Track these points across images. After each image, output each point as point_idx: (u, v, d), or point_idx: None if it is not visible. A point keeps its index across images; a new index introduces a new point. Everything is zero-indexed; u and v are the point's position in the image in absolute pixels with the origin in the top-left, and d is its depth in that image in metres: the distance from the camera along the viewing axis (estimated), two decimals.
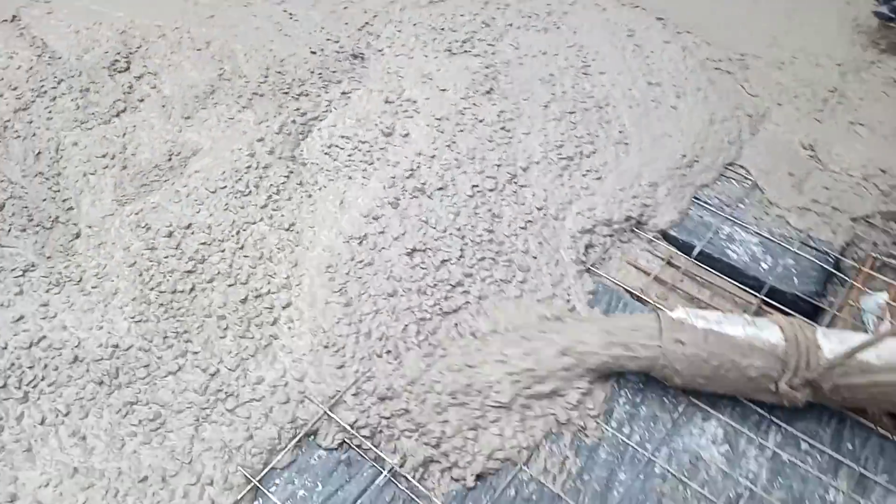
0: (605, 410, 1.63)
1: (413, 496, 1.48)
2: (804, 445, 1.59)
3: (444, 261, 1.90)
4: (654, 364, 1.58)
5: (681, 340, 1.55)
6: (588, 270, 1.97)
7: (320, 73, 2.54)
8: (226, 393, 1.60)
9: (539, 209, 2.09)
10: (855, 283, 1.98)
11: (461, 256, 1.92)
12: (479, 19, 2.80)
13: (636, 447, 1.58)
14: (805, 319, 1.71)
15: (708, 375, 1.55)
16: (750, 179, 2.25)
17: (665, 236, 2.10)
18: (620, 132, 2.35)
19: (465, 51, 2.62)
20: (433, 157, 2.18)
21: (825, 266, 2.00)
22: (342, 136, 2.26)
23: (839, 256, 2.04)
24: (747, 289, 1.95)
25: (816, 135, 2.38)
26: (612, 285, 1.94)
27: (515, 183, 2.16)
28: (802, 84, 2.59)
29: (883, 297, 1.93)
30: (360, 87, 2.47)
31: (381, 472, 1.50)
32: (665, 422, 1.62)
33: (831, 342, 1.52)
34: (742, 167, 2.30)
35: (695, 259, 2.03)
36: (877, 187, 2.21)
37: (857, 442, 1.60)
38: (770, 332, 1.56)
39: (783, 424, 1.61)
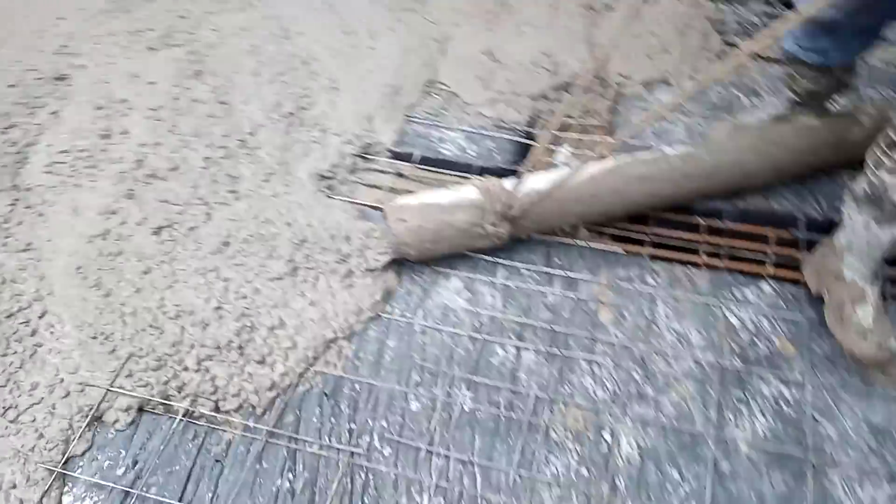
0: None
1: (212, 426, 1.62)
2: (524, 271, 1.97)
3: (191, 228, 2.02)
4: (391, 247, 1.86)
5: (402, 218, 1.84)
6: (331, 198, 2.20)
7: (24, 103, 2.48)
8: (2, 408, 1.61)
9: (279, 165, 2.27)
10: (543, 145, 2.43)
11: (209, 219, 2.05)
12: (173, 15, 2.88)
13: (398, 318, 1.85)
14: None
15: (432, 239, 1.86)
16: (447, 90, 2.62)
17: (392, 154, 2.40)
18: (329, 80, 2.60)
19: (167, 44, 2.70)
20: (158, 143, 2.27)
21: (519, 140, 2.42)
22: (60, 152, 2.25)
23: (528, 129, 2.47)
24: (463, 174, 2.30)
25: (491, 42, 2.81)
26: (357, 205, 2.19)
27: (247, 147, 2.32)
28: (454, 6, 3.00)
29: (567, 148, 2.40)
30: (69, 104, 2.46)
31: (176, 418, 1.62)
32: (416, 292, 1.91)
33: (513, 184, 1.90)
34: (440, 82, 2.66)
35: (418, 164, 2.35)
36: (545, 69, 2.68)
37: (562, 255, 2.01)
38: (467, 190, 1.91)
39: (506, 261, 1.98)
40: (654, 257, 1.98)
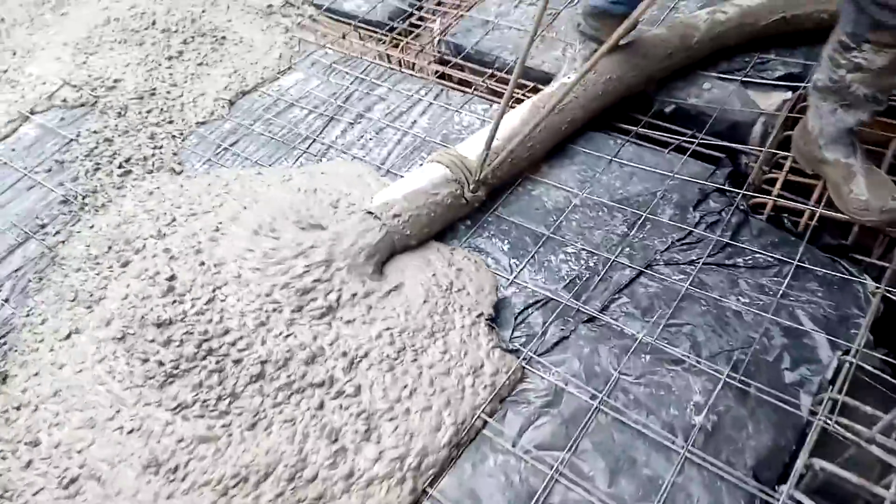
0: None
1: None
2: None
3: None
4: (391, 243, 1.94)
5: (396, 214, 1.93)
6: None
7: None
8: None
9: None
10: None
11: None
12: None
13: None
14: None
15: (425, 222, 1.97)
16: None
17: None
18: None
19: None
20: None
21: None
22: None
23: None
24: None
25: None
26: None
27: None
28: None
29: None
30: None
31: None
32: None
33: (470, 149, 2.07)
34: None
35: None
36: None
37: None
38: (434, 168, 2.04)
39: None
40: None
